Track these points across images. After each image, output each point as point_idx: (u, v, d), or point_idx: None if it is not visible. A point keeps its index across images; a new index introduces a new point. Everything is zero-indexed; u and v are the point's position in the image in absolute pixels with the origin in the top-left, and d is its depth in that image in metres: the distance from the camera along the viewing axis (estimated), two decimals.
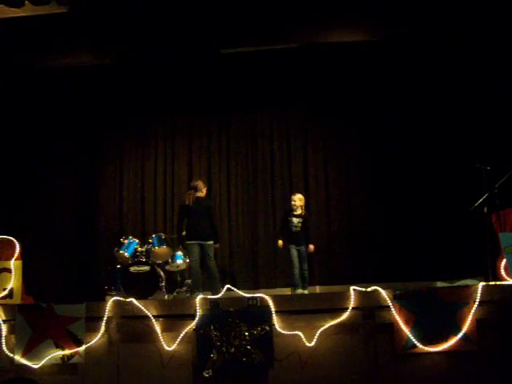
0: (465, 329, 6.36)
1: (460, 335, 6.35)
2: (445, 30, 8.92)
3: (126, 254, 8.83)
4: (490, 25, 8.69)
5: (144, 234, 9.97)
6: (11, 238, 7.62)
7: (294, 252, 8.42)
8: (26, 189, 9.98)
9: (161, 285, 8.49)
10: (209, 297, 6.91)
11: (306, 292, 8.36)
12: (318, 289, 9.44)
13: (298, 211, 8.56)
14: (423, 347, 6.39)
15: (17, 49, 9.19)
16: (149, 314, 6.78)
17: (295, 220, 8.50)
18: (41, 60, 9.57)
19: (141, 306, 6.82)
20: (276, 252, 9.82)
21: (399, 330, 6.45)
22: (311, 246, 8.58)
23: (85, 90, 10.18)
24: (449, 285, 8.12)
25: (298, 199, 8.61)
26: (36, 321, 6.81)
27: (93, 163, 10.54)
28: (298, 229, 8.49)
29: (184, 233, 8.47)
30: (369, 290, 6.72)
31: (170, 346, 6.68)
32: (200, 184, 8.64)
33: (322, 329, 6.56)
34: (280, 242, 8.54)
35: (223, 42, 9.39)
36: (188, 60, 9.78)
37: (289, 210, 8.64)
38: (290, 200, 8.72)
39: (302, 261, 8.43)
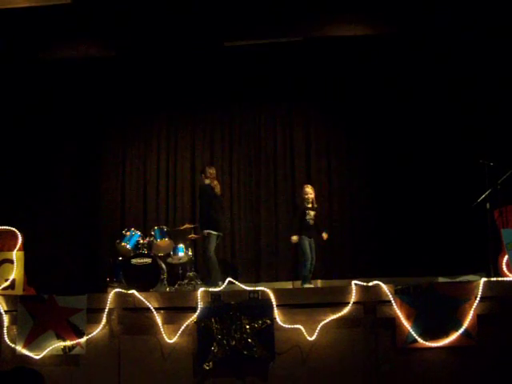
0: (466, 324, 6.36)
1: (461, 331, 6.36)
2: (449, 24, 8.89)
3: (128, 246, 8.81)
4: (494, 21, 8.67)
5: (146, 226, 9.96)
6: (13, 228, 7.63)
7: (307, 244, 8.29)
8: (28, 180, 9.97)
9: (162, 277, 8.48)
10: (210, 289, 6.91)
11: (312, 285, 8.35)
12: (319, 283, 9.43)
13: (312, 204, 8.47)
14: (424, 342, 6.40)
15: (19, 40, 9.17)
16: (150, 306, 6.79)
17: (312, 213, 8.42)
18: (43, 52, 9.55)
19: (142, 298, 6.84)
20: (277, 245, 9.85)
21: (400, 324, 6.46)
22: (325, 235, 8.48)
23: (86, 83, 10.15)
24: (450, 280, 8.11)
25: (312, 191, 8.51)
26: (38, 312, 6.83)
27: (95, 155, 10.52)
28: (312, 221, 8.42)
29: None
30: (370, 284, 6.71)
31: (171, 338, 6.70)
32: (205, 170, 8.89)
33: (323, 323, 6.57)
34: (295, 238, 8.30)
35: (227, 35, 9.37)
36: (191, 52, 9.75)
37: (305, 204, 8.46)
38: (303, 193, 8.54)
39: (312, 252, 8.37)
